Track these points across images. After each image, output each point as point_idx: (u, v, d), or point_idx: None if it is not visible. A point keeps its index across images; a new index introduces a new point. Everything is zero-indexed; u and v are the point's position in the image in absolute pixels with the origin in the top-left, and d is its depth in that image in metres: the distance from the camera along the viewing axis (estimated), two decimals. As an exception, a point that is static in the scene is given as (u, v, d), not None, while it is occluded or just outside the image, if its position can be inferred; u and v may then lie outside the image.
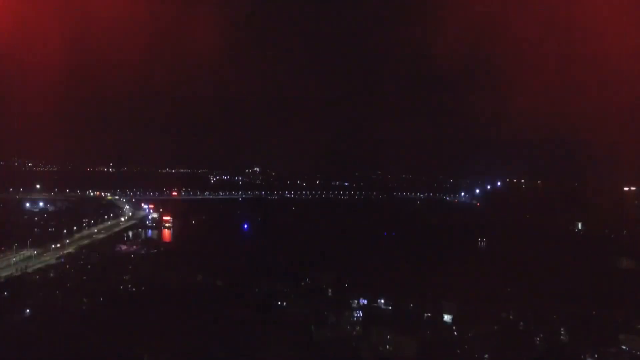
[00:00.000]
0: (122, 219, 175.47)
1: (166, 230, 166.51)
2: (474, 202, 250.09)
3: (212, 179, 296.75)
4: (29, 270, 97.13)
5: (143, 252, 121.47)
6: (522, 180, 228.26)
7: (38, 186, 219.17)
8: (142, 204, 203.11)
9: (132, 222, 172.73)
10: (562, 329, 72.54)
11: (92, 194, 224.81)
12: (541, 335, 70.12)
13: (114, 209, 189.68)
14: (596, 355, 63.44)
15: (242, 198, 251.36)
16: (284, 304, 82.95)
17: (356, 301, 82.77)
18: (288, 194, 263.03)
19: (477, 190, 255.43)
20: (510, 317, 77.91)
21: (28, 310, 76.41)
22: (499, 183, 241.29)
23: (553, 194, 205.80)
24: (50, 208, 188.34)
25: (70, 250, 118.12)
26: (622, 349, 65.65)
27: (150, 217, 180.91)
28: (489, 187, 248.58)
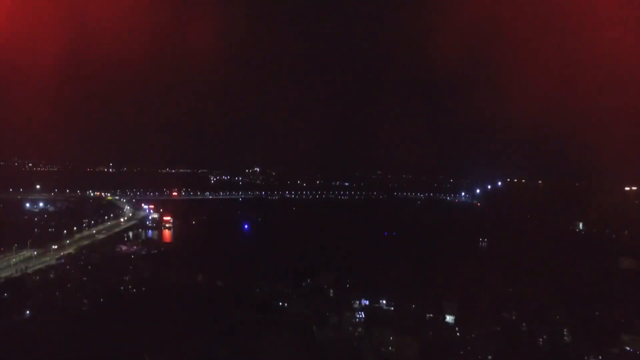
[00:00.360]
0: (122, 220, 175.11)
1: (166, 230, 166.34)
2: (475, 202, 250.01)
3: (212, 179, 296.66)
4: (29, 271, 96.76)
5: (143, 252, 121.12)
6: (523, 180, 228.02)
7: (38, 186, 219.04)
8: (143, 204, 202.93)
9: (133, 222, 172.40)
10: (564, 330, 72.12)
11: (92, 194, 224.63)
12: (544, 336, 69.70)
13: (114, 209, 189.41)
14: (600, 357, 63.10)
15: (242, 198, 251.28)
16: (285, 304, 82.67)
17: (358, 302, 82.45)
18: (288, 194, 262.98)
19: (478, 190, 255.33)
20: (513, 317, 77.53)
21: (28, 311, 76.11)
22: (499, 183, 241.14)
23: (554, 194, 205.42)
24: (51, 208, 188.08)
25: (71, 250, 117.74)
26: (625, 349, 65.31)
27: (150, 217, 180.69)
28: (489, 187, 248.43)
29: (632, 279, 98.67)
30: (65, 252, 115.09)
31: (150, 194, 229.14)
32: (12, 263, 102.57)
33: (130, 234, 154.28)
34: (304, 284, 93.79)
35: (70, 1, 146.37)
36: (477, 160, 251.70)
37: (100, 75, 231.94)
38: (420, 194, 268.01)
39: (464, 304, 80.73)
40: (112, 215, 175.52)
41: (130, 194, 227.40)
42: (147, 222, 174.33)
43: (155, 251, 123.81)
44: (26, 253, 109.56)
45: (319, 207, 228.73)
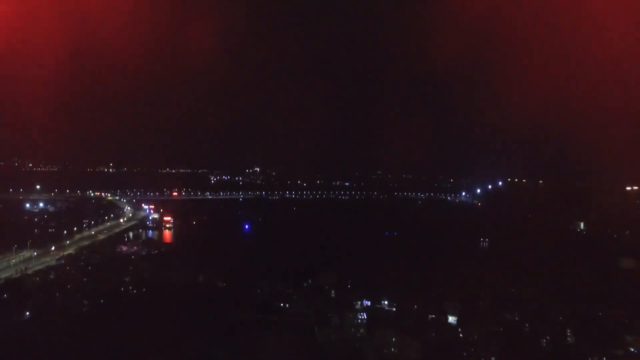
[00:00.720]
0: (123, 220, 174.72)
1: (167, 230, 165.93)
2: (475, 201, 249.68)
3: (213, 179, 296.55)
4: (29, 271, 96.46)
5: (144, 253, 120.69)
6: (524, 180, 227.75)
7: (38, 186, 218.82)
8: (143, 205, 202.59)
9: (133, 222, 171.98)
10: (567, 330, 71.73)
11: (92, 194, 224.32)
12: (547, 337, 69.30)
13: (115, 210, 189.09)
14: (604, 358, 62.67)
15: (242, 198, 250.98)
16: (286, 305, 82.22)
17: (359, 302, 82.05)
18: (288, 194, 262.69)
19: (478, 190, 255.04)
20: (515, 318, 77.09)
21: (28, 312, 75.71)
22: (500, 183, 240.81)
23: (555, 194, 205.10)
24: (51, 208, 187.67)
25: (71, 251, 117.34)
26: (629, 350, 64.90)
27: (150, 217, 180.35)
28: (489, 186, 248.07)
29: (634, 279, 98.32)
30: (66, 253, 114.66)
31: (150, 194, 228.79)
32: (12, 264, 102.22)
33: (131, 234, 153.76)
34: (305, 284, 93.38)
35: (71, 2, 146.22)
36: (477, 160, 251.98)
37: (100, 75, 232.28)
38: (420, 194, 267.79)
39: (466, 304, 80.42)
40: (112, 215, 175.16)
41: (130, 194, 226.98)
42: (148, 223, 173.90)
43: (156, 252, 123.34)
44: (26, 254, 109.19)
45: (320, 207, 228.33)
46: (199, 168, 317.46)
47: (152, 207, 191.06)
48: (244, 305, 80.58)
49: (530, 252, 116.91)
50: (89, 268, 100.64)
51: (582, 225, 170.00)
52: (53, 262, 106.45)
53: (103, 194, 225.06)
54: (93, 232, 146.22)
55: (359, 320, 75.43)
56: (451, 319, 77.58)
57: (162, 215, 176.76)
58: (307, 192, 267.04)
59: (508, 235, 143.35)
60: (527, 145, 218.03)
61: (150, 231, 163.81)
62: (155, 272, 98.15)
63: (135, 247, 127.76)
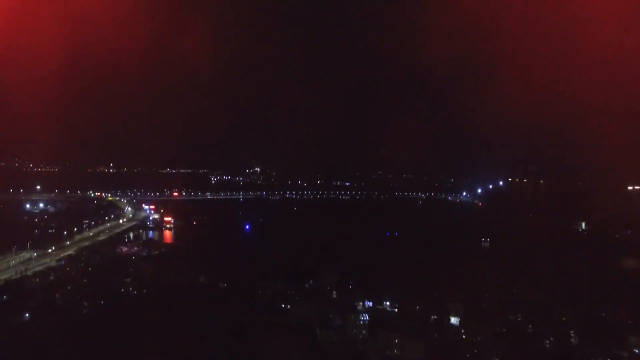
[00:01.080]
0: (123, 220, 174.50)
1: (167, 231, 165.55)
2: (476, 201, 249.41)
3: (213, 179, 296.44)
4: (29, 272, 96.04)
5: (144, 253, 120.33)
6: (525, 180, 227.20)
7: (38, 187, 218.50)
8: (143, 205, 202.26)
9: (133, 223, 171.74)
10: (571, 331, 71.23)
11: (92, 194, 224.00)
12: (551, 338, 68.83)
13: (115, 210, 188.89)
14: (608, 359, 62.24)
15: (242, 198, 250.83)
16: (288, 306, 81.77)
17: (361, 303, 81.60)
18: (289, 194, 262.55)
19: (479, 190, 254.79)
20: (519, 319, 76.62)
21: (28, 314, 75.32)
22: (500, 183, 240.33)
23: (555, 194, 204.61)
24: (51, 209, 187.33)
25: (71, 252, 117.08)
26: (633, 351, 64.45)
27: (151, 217, 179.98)
28: (490, 186, 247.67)
29: (636, 280, 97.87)
30: (66, 254, 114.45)
31: (150, 194, 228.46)
32: (11, 265, 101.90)
33: (131, 234, 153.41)
34: (306, 285, 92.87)
35: (72, 3, 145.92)
36: (477, 160, 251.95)
37: (101, 76, 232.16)
38: (421, 194, 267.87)
39: (468, 305, 79.92)
40: (112, 216, 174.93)
41: (130, 194, 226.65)
42: (148, 223, 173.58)
43: (156, 252, 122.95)
44: (26, 254, 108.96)
45: (320, 207, 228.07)
46: (199, 168, 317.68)
47: (152, 207, 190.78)
48: (245, 306, 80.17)
49: (532, 252, 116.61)
50: (89, 269, 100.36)
51: (583, 225, 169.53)
52: (53, 263, 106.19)
53: (103, 194, 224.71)
54: (93, 233, 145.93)
55: (361, 322, 74.95)
56: (453, 320, 77.02)
57: (162, 216, 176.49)
58: (307, 192, 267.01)
59: (509, 235, 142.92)
60: (528, 145, 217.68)
61: (151, 232, 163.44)
62: (156, 273, 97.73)
63: (135, 248, 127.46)
